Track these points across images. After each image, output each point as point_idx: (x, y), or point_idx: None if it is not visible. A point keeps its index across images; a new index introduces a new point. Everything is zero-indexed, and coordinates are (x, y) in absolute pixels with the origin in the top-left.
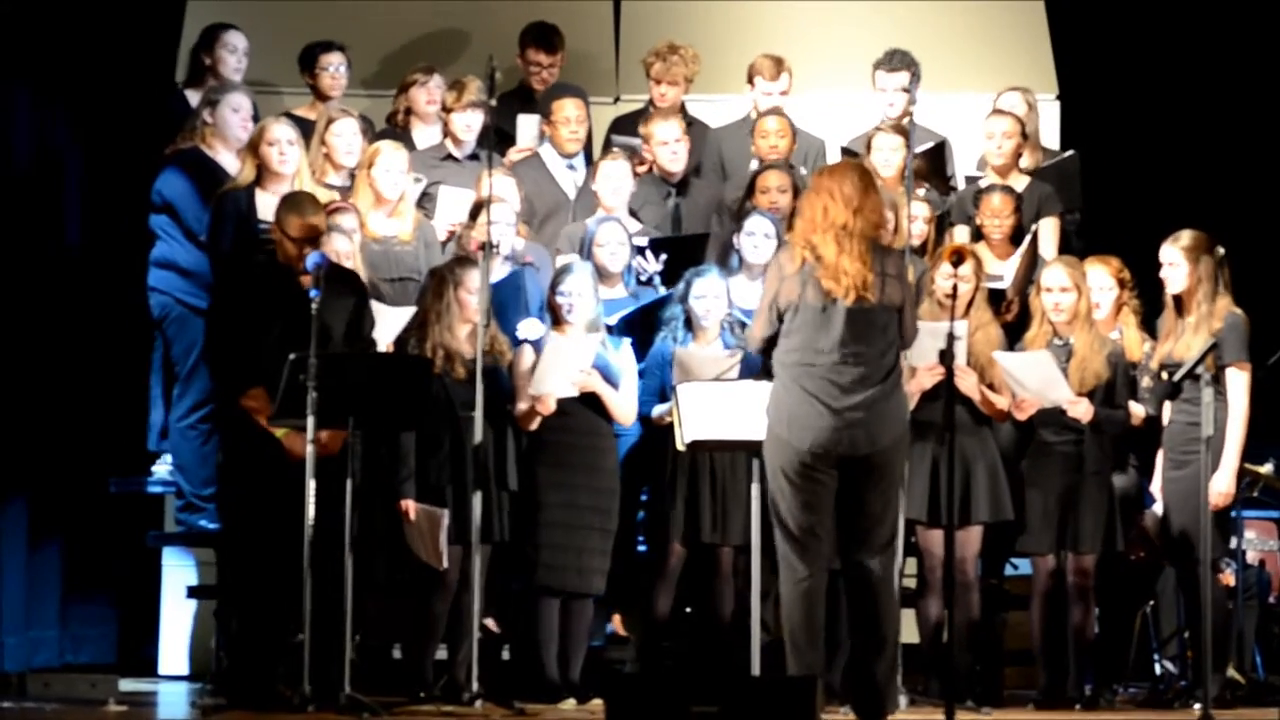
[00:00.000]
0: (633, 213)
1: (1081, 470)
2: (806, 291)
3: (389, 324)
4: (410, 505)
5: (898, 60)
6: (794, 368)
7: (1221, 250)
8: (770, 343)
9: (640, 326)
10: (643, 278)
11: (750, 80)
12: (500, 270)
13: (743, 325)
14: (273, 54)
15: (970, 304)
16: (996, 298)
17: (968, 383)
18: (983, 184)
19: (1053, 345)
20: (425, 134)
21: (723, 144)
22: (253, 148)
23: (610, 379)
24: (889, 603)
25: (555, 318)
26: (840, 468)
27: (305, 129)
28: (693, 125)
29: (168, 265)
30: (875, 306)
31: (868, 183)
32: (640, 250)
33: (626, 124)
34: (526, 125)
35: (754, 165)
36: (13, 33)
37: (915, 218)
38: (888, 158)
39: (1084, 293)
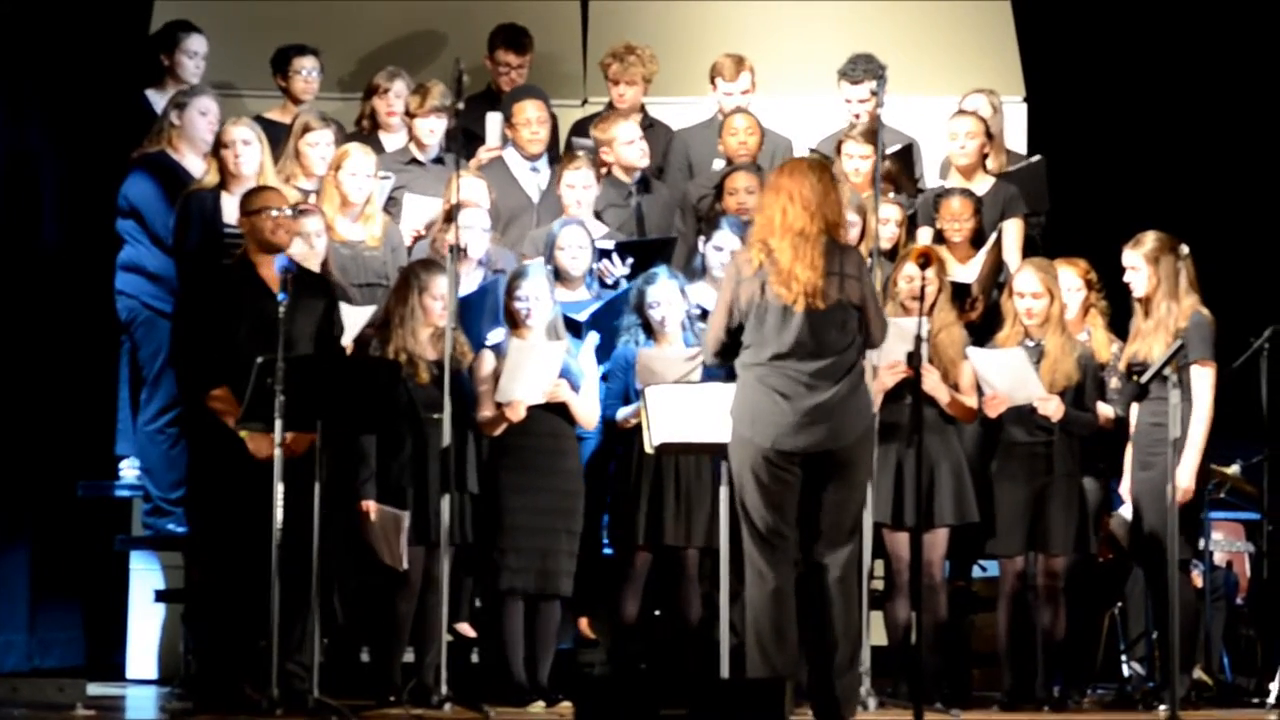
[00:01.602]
0: (597, 215)
1: (1051, 471)
2: (766, 292)
3: (350, 322)
4: (371, 506)
5: (861, 70)
6: (756, 367)
7: (1185, 250)
8: (725, 351)
9: (607, 322)
10: (609, 281)
11: (712, 81)
12: (474, 276)
13: (704, 315)
14: (239, 56)
15: (933, 305)
16: (960, 294)
17: (930, 380)
18: (945, 186)
19: (1024, 347)
20: (392, 139)
21: (690, 145)
22: (214, 151)
23: (571, 383)
24: (846, 604)
25: (513, 321)
26: (804, 465)
27: (277, 132)
28: (653, 126)
29: (134, 269)
30: (833, 306)
31: (827, 183)
32: (606, 254)
33: (588, 126)
34: (495, 124)
35: (719, 165)
36: None
37: (887, 220)
38: (857, 165)
39: (1056, 296)
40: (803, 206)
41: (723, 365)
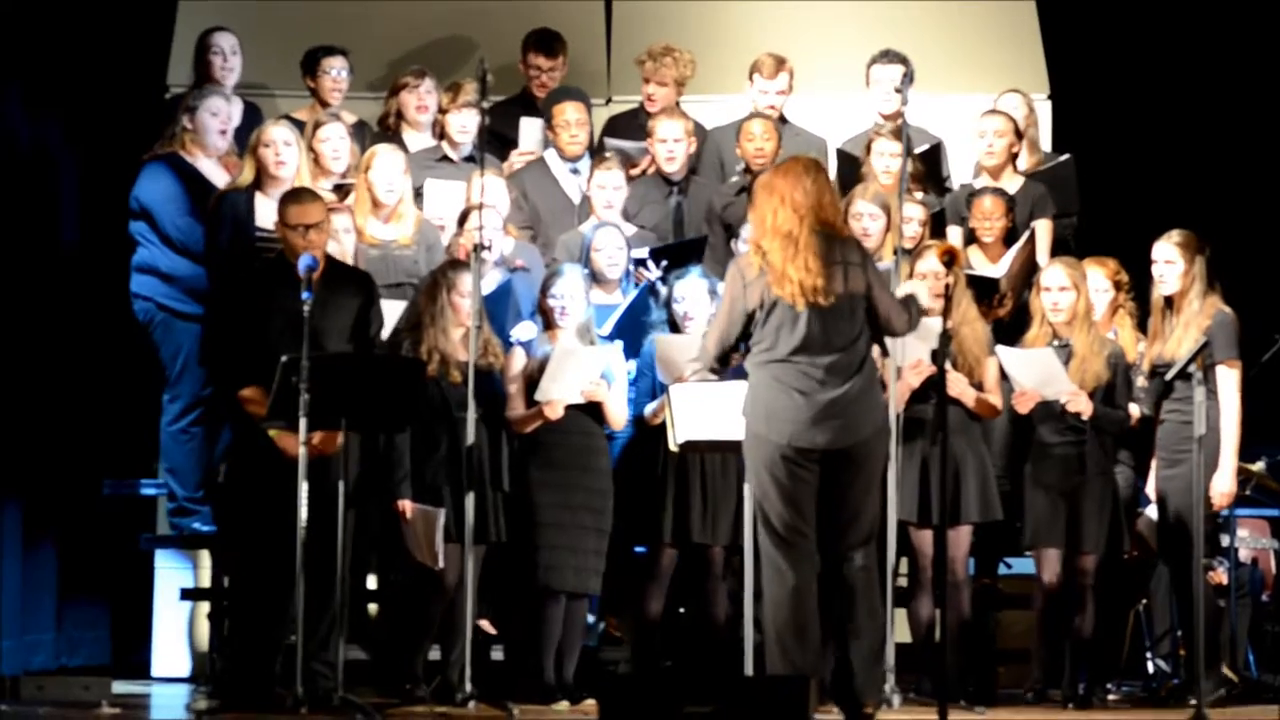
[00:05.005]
0: (630, 216)
1: (1084, 471)
2: (770, 292)
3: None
4: (407, 505)
5: (892, 54)
6: (770, 365)
7: (1208, 250)
8: (725, 356)
9: (629, 330)
10: (646, 287)
11: (750, 77)
12: (491, 276)
13: None
14: (268, 56)
15: (950, 300)
16: (989, 289)
17: (957, 387)
18: (976, 185)
19: (1052, 346)
20: (416, 138)
21: (722, 144)
22: (252, 150)
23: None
24: (869, 597)
25: (547, 321)
26: (821, 462)
27: (303, 131)
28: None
29: (149, 270)
30: (837, 301)
31: (821, 184)
32: (640, 262)
33: (619, 125)
34: (529, 129)
35: (739, 167)
36: (5, 32)
37: (910, 220)
38: (887, 164)
39: (1083, 293)
40: (792, 209)
41: (719, 370)
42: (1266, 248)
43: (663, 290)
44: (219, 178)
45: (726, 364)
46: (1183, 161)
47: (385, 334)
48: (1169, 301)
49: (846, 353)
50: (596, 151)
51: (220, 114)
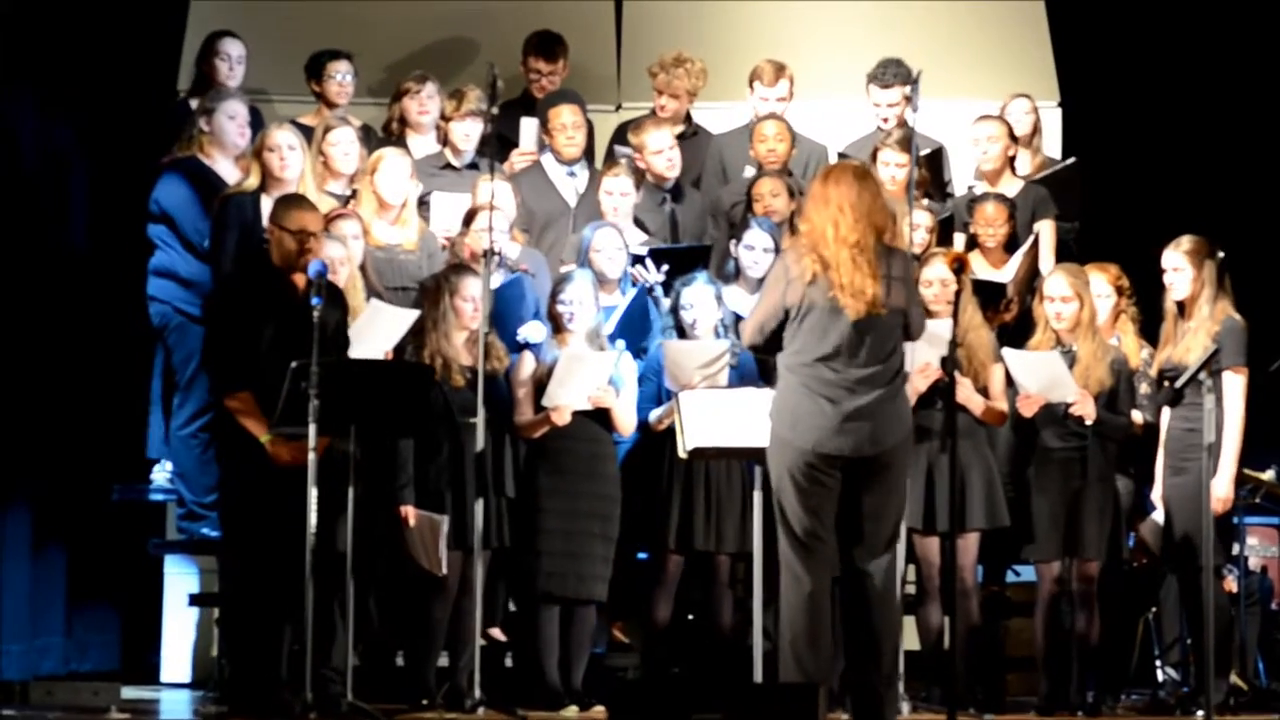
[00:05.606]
0: (638, 223)
1: (1086, 476)
2: (814, 296)
3: (394, 325)
4: (410, 511)
5: (890, 74)
6: (800, 369)
7: (1221, 254)
8: (770, 339)
9: (626, 332)
10: (645, 286)
11: (750, 85)
12: (495, 278)
13: (738, 320)
14: (274, 61)
15: (956, 306)
16: (995, 294)
17: (964, 392)
18: (977, 191)
19: (1056, 352)
20: (419, 143)
21: (724, 150)
22: (256, 154)
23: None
24: (887, 612)
25: (556, 326)
26: (845, 469)
27: (309, 136)
28: (697, 134)
29: (167, 274)
30: (882, 312)
31: (872, 188)
32: (640, 260)
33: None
34: (529, 128)
35: (750, 171)
36: (17, 36)
37: (918, 226)
38: (893, 173)
39: (1086, 301)
40: (855, 217)
41: (757, 353)
42: (1277, 255)
43: (664, 299)
44: (237, 179)
45: (765, 350)
46: (1193, 168)
47: (389, 343)
48: (1180, 307)
49: (880, 365)
50: (606, 158)
51: (238, 116)
